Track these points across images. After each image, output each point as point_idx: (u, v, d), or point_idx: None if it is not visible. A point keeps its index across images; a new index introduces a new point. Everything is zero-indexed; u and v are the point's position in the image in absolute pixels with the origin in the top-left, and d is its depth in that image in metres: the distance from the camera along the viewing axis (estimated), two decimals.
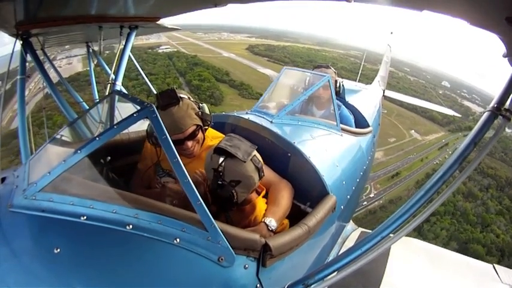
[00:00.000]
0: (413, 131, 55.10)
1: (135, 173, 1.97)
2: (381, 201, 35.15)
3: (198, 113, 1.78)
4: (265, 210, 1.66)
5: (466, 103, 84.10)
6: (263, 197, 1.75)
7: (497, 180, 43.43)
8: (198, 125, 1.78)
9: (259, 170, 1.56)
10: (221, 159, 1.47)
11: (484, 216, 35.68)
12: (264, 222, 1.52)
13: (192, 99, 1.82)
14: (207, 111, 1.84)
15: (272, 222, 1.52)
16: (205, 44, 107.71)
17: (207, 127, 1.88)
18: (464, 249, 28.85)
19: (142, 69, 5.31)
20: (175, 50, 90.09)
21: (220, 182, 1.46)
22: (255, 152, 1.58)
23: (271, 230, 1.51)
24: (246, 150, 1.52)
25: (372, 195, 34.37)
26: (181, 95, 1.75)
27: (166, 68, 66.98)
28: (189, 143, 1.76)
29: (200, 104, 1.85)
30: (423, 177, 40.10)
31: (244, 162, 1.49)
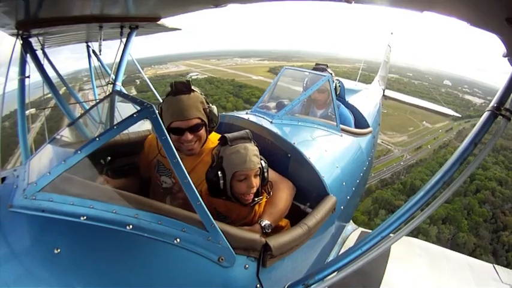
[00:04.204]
0: (424, 121, 75.99)
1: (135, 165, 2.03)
2: (414, 161, 57.58)
3: (205, 109, 1.75)
4: (262, 211, 1.67)
5: (467, 97, 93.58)
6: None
7: (493, 147, 55.04)
8: (203, 120, 1.74)
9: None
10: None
11: (484, 164, 47.72)
12: (259, 223, 1.53)
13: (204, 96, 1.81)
14: (215, 111, 1.80)
15: (267, 225, 1.53)
16: (229, 70, 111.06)
17: (212, 127, 1.84)
18: (471, 179, 43.04)
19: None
20: (206, 76, 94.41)
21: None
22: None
23: (265, 232, 1.51)
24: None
25: (408, 157, 59.04)
26: (195, 89, 1.75)
27: (215, 90, 78.75)
28: (189, 136, 1.68)
29: (210, 105, 1.82)
30: (437, 148, 64.14)
31: None
